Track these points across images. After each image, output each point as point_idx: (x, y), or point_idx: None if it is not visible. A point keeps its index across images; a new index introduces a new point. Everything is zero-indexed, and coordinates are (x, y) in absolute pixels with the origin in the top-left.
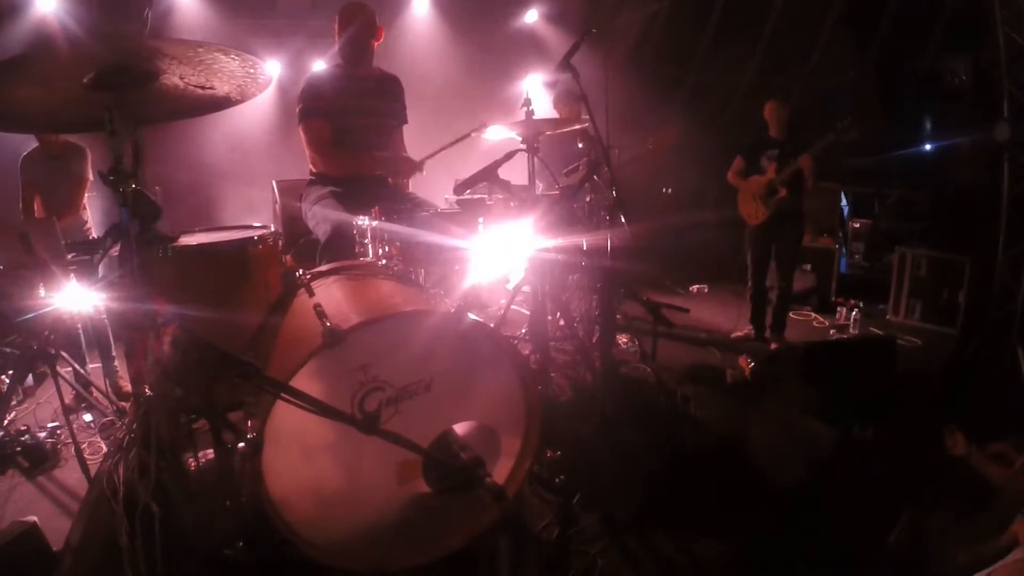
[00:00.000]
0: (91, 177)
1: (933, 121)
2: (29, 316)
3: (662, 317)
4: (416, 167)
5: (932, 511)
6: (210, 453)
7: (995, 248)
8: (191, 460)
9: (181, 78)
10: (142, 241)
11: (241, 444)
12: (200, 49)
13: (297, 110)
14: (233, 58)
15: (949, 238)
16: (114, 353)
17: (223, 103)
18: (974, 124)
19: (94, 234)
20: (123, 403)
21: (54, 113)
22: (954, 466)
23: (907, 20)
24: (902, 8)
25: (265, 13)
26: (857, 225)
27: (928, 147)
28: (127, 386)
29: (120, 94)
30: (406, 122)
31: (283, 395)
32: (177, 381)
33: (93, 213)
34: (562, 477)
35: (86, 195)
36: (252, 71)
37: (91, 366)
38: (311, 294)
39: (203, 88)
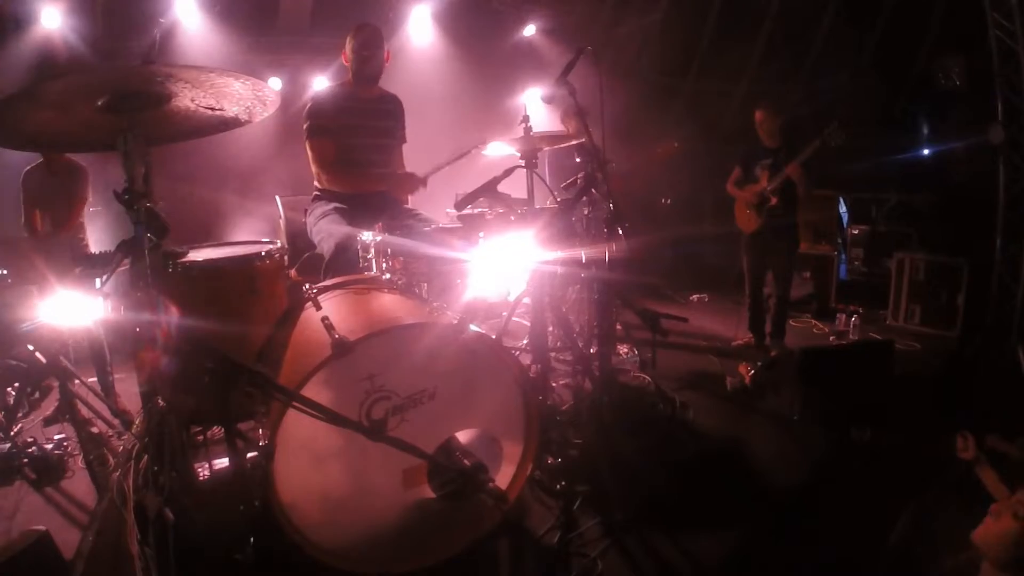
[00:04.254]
0: (89, 197)
1: (929, 125)
2: (37, 329)
3: (659, 327)
4: (419, 183)
5: (934, 511)
6: (218, 462)
7: (992, 250)
8: (201, 468)
9: (192, 100)
10: (153, 257)
11: (253, 452)
12: (212, 74)
13: (304, 128)
14: (244, 82)
15: (947, 241)
16: (109, 368)
17: (232, 124)
18: (969, 127)
19: (91, 249)
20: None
21: (69, 134)
22: (958, 466)
23: (901, 24)
24: (896, 12)
25: (266, 31)
26: (856, 231)
27: (924, 151)
28: (122, 403)
29: (133, 116)
30: (405, 141)
31: (294, 403)
32: (191, 391)
33: (93, 229)
34: (563, 483)
35: (85, 212)
36: (260, 93)
37: (88, 380)
38: (318, 307)
39: (213, 110)
